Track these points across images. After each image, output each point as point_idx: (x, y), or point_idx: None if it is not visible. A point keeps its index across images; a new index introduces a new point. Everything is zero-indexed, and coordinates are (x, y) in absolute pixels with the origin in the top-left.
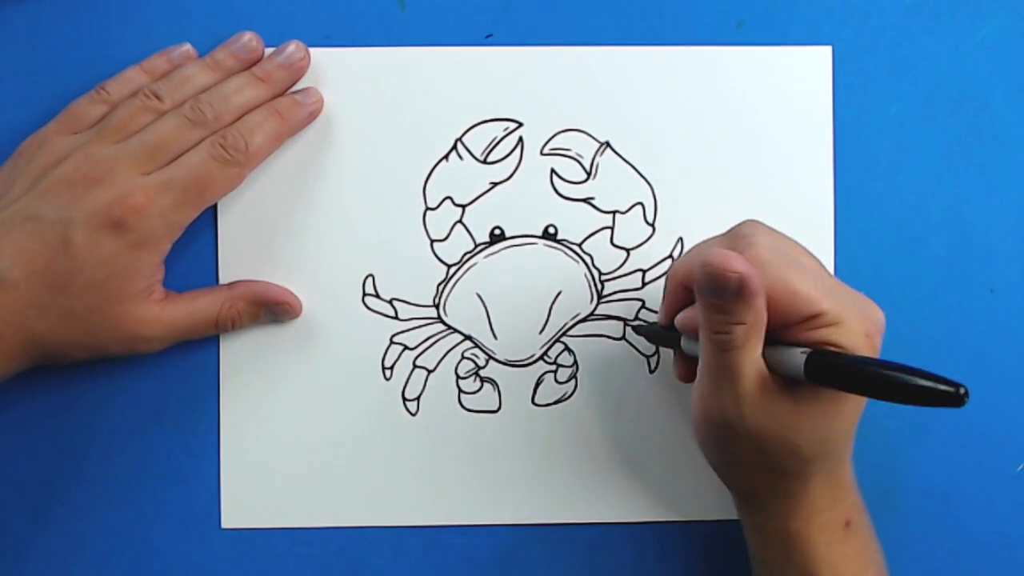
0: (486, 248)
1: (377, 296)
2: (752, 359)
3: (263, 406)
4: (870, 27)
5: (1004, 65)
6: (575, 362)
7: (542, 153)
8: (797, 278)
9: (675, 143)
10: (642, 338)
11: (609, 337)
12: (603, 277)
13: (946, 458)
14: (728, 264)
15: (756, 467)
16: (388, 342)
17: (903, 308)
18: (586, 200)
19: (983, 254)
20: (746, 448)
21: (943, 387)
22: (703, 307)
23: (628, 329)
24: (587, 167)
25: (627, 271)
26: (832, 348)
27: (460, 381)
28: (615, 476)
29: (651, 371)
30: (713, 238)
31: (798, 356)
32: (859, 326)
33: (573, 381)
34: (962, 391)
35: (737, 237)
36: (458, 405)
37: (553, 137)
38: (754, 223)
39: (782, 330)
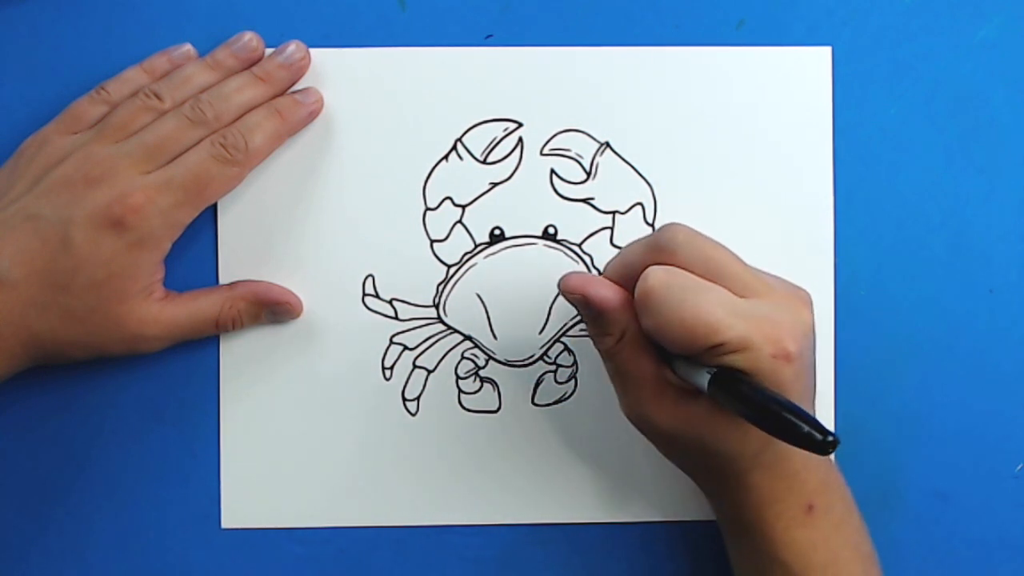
0: (486, 248)
1: (377, 296)
2: (637, 366)
3: (263, 406)
4: (870, 27)
5: (1004, 65)
6: (575, 362)
7: (542, 153)
8: (696, 307)
9: (675, 143)
10: None
11: None
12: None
13: (945, 458)
14: (582, 289)
15: (690, 464)
16: (388, 342)
17: (903, 308)
18: (586, 200)
19: (983, 254)
20: (671, 447)
21: (817, 434)
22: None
23: None
24: (587, 167)
25: None
26: (738, 371)
27: (460, 381)
28: (615, 476)
29: None
30: (635, 242)
31: (704, 376)
32: (767, 347)
33: (573, 381)
34: (830, 439)
35: (653, 249)
36: (458, 405)
37: (553, 137)
38: (674, 231)
39: (691, 354)
